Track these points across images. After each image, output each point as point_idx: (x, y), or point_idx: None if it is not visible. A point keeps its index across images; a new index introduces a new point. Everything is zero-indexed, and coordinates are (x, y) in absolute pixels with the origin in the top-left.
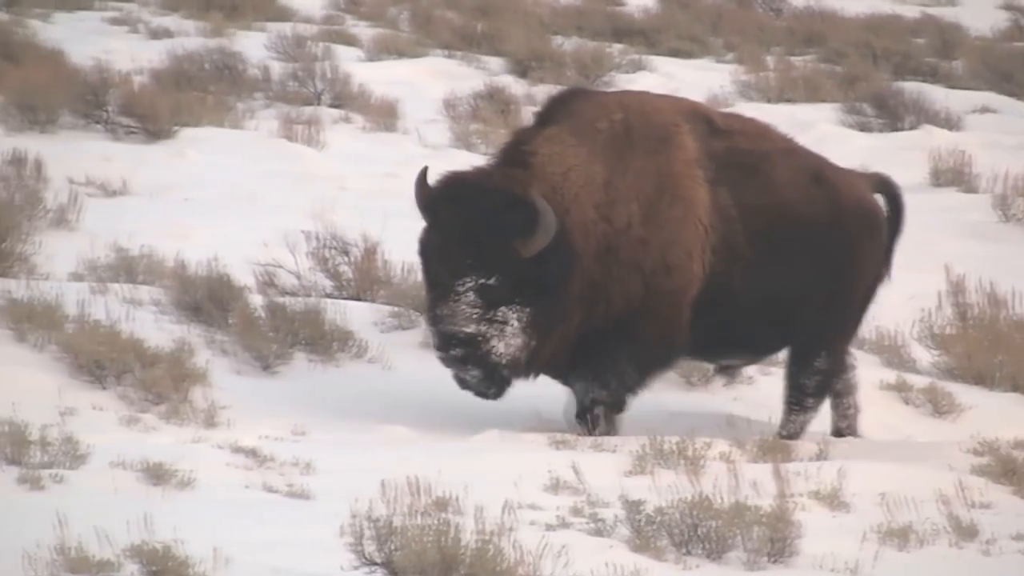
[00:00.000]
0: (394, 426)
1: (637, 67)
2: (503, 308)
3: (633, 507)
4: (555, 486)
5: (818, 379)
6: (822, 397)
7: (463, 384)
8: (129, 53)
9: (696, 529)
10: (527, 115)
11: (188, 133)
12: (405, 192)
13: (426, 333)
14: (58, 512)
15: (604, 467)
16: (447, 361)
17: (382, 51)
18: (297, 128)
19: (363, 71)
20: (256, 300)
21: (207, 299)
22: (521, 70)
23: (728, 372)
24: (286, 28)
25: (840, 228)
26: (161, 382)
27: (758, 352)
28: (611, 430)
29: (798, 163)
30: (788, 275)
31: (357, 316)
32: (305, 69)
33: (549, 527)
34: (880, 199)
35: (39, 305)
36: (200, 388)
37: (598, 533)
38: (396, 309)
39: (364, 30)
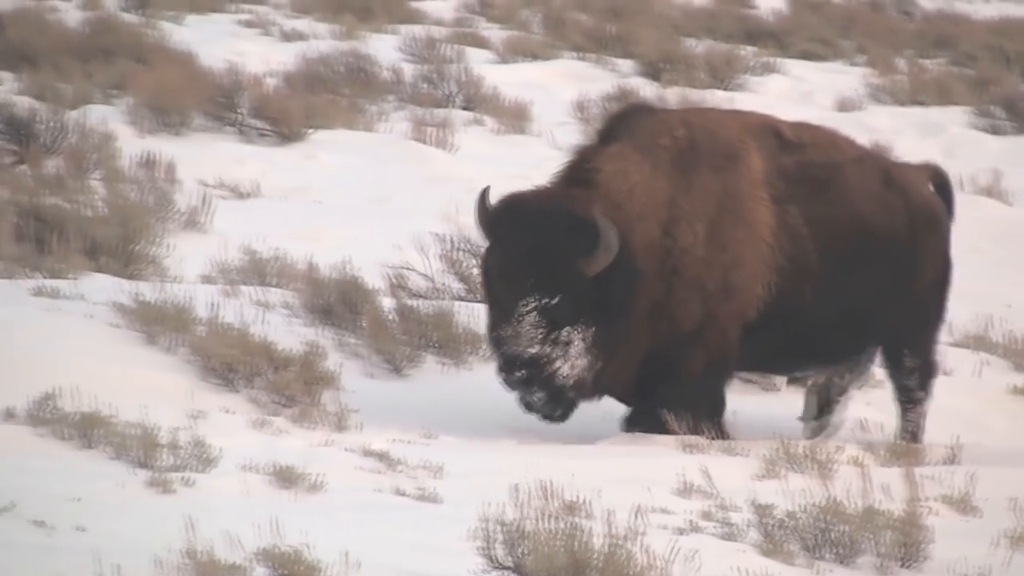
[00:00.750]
0: (525, 430)
1: (768, 70)
2: (567, 329)
3: (763, 511)
4: (686, 490)
5: (917, 375)
6: (928, 389)
7: (528, 407)
8: (261, 55)
9: (826, 533)
10: None
11: (320, 136)
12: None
13: None
14: (187, 515)
15: (734, 471)
16: (511, 384)
17: (514, 53)
18: (428, 130)
19: (495, 73)
20: (387, 303)
21: (338, 302)
22: (652, 72)
23: (800, 382)
24: (418, 30)
25: (912, 231)
26: (292, 385)
27: (832, 362)
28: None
29: (868, 170)
30: (861, 284)
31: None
32: (437, 71)
33: (679, 531)
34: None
35: (170, 307)
36: (330, 391)
37: (728, 537)
38: None
39: (496, 32)
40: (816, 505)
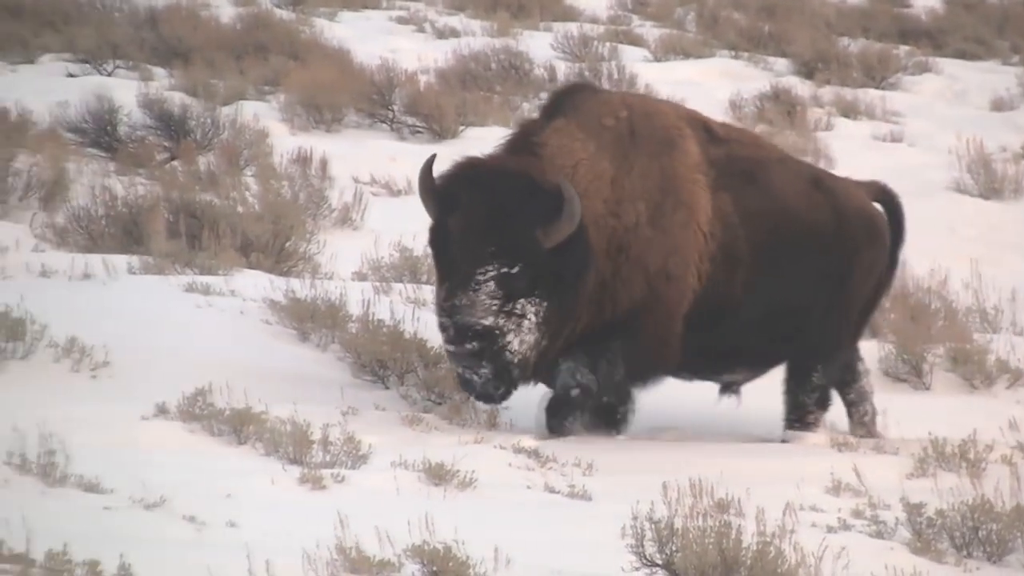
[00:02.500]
0: (675, 427)
1: (922, 69)
2: (522, 301)
3: (914, 509)
4: (836, 488)
5: (817, 395)
6: (823, 411)
7: (468, 385)
8: (415, 52)
9: (977, 532)
10: (813, 117)
11: (474, 133)
12: None
13: None
14: (339, 512)
15: (885, 469)
16: (460, 357)
17: (668, 51)
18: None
19: (649, 71)
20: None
21: None
22: (807, 71)
23: (730, 390)
24: (572, 28)
25: (842, 235)
26: (444, 382)
27: (760, 366)
28: (575, 428)
29: (795, 170)
30: (791, 285)
31: None
32: (591, 69)
33: (830, 529)
34: (879, 208)
35: (323, 304)
36: None
37: (878, 535)
38: None
39: (650, 30)
40: (966, 503)
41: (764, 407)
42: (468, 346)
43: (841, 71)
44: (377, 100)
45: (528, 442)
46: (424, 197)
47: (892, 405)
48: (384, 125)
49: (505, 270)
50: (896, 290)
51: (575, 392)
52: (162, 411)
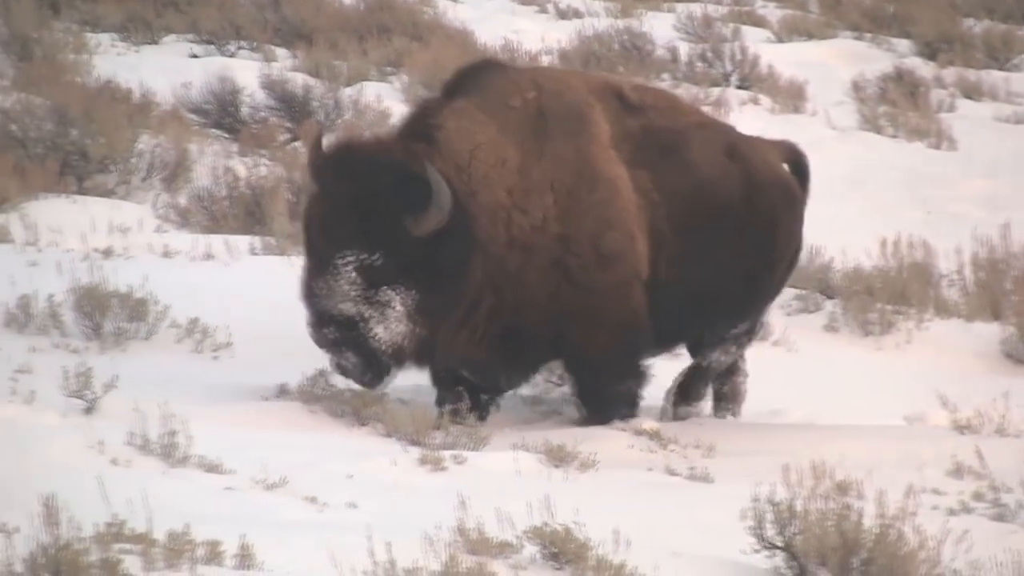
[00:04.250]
0: (797, 409)
1: None
2: (386, 289)
3: None
4: (958, 471)
5: (723, 362)
6: (707, 385)
7: (341, 370)
8: (537, 33)
9: None
10: (936, 98)
11: None
12: (812, 174)
13: (831, 316)
14: (459, 493)
15: (1008, 452)
16: (320, 342)
17: (791, 32)
18: (704, 109)
19: (771, 52)
20: None
21: None
22: (930, 52)
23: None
24: (695, 9)
25: (758, 204)
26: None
27: (674, 343)
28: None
29: (712, 138)
30: (711, 261)
31: None
32: (713, 50)
33: (951, 512)
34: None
35: None
36: None
37: (1000, 518)
38: (801, 292)
39: (773, 11)
40: None
41: (885, 390)
42: (326, 331)
43: (964, 52)
44: None
45: (649, 424)
46: (309, 175)
47: (1015, 388)
48: None
49: (365, 257)
50: (1020, 272)
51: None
52: (283, 392)
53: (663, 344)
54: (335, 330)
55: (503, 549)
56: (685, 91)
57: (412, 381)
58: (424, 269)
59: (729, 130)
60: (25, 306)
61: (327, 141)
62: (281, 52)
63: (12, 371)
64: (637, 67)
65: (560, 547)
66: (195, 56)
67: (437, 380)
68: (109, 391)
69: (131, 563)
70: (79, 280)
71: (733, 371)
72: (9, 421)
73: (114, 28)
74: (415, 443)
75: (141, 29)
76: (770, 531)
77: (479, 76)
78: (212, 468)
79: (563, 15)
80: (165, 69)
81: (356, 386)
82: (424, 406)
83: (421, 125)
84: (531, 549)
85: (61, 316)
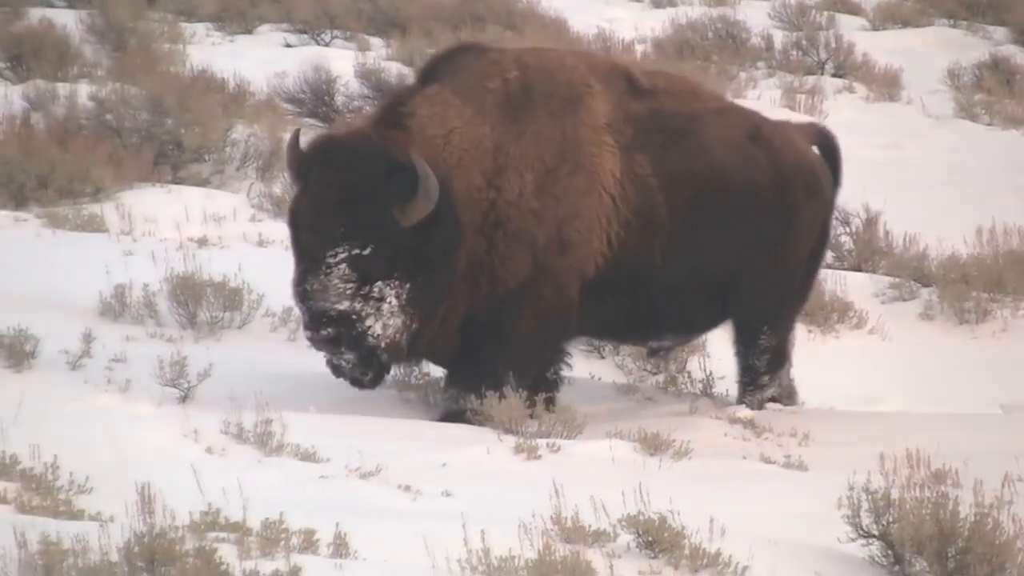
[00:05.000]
0: (892, 397)
1: None
2: (380, 284)
3: None
4: None
5: (768, 357)
6: (777, 371)
7: (337, 371)
8: (631, 21)
9: None
10: None
11: None
12: (908, 162)
13: (926, 304)
14: (554, 481)
15: None
16: (317, 343)
17: (886, 20)
18: (799, 97)
19: (867, 40)
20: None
21: None
22: None
23: (661, 354)
24: None
25: (779, 192)
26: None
27: (691, 331)
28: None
29: (732, 122)
30: (720, 246)
31: (857, 287)
32: (808, 38)
33: None
34: (817, 152)
35: None
36: (697, 358)
37: None
38: (896, 280)
39: None
40: None
41: (981, 378)
42: (324, 332)
43: None
44: None
45: (743, 412)
46: (288, 170)
47: None
48: None
49: (357, 252)
50: None
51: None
52: None
53: (674, 331)
54: (332, 329)
55: (598, 537)
56: (780, 79)
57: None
58: (414, 260)
59: (753, 115)
60: (120, 295)
61: (303, 139)
62: (375, 41)
63: (107, 360)
64: (732, 56)
65: (655, 535)
66: (290, 45)
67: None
68: (204, 380)
69: (226, 552)
70: (174, 269)
71: None
72: (104, 410)
73: (209, 18)
74: (509, 431)
75: (236, 19)
76: (866, 520)
77: (454, 60)
78: (307, 456)
79: (657, 4)
80: (260, 59)
81: None
82: (518, 394)
83: (393, 113)
84: (626, 537)
85: (156, 305)
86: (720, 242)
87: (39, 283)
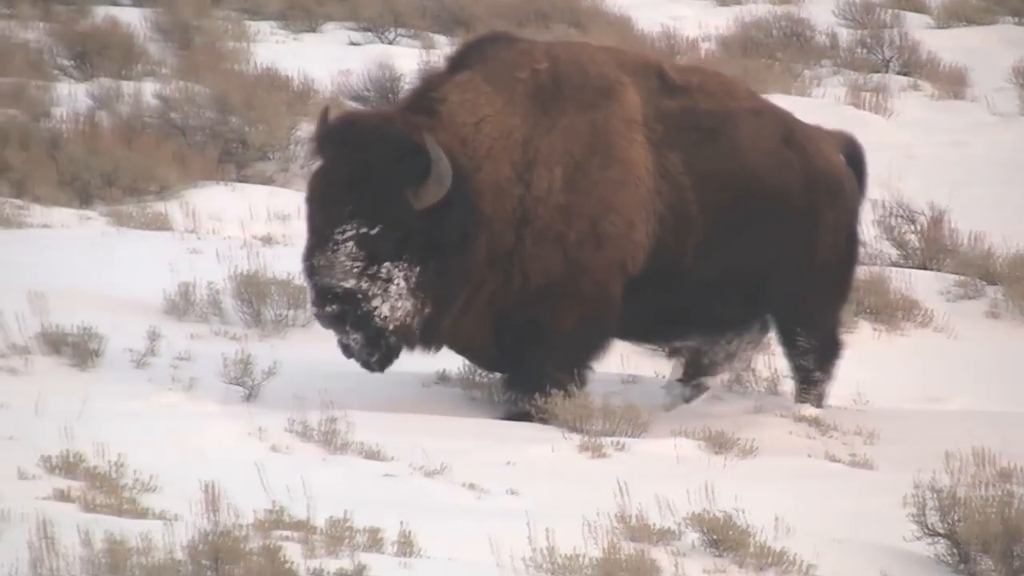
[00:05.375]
0: (958, 395)
1: None
2: (388, 265)
3: None
4: None
5: (813, 356)
6: (827, 370)
7: (347, 351)
8: (697, 20)
9: None
10: None
11: None
12: (973, 160)
13: (992, 302)
14: (619, 479)
15: None
16: (323, 319)
17: (951, 18)
18: (864, 95)
19: (932, 38)
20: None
21: None
22: None
23: (680, 354)
24: None
25: (809, 195)
26: None
27: (715, 332)
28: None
29: (766, 124)
30: (750, 247)
31: (923, 285)
32: (873, 36)
33: None
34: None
35: None
36: (763, 356)
37: None
38: (962, 278)
39: None
40: None
41: None
42: (328, 309)
43: None
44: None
45: (809, 411)
46: (310, 149)
47: None
48: None
49: (364, 231)
50: None
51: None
52: (443, 378)
53: (700, 331)
54: (337, 306)
55: (663, 536)
56: (846, 77)
57: None
58: (427, 244)
59: (787, 117)
60: (185, 293)
61: (333, 115)
62: (440, 39)
63: (172, 359)
64: (797, 53)
65: (721, 534)
66: (355, 43)
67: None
68: (269, 378)
69: (291, 550)
70: (238, 267)
71: (704, 381)
72: (169, 409)
73: (274, 16)
74: (575, 430)
75: (301, 17)
76: (932, 518)
77: (485, 48)
78: (372, 455)
79: (723, 1)
80: (324, 56)
81: None
82: (584, 393)
83: (423, 98)
84: (692, 536)
85: (221, 304)
86: (751, 243)
87: (104, 282)
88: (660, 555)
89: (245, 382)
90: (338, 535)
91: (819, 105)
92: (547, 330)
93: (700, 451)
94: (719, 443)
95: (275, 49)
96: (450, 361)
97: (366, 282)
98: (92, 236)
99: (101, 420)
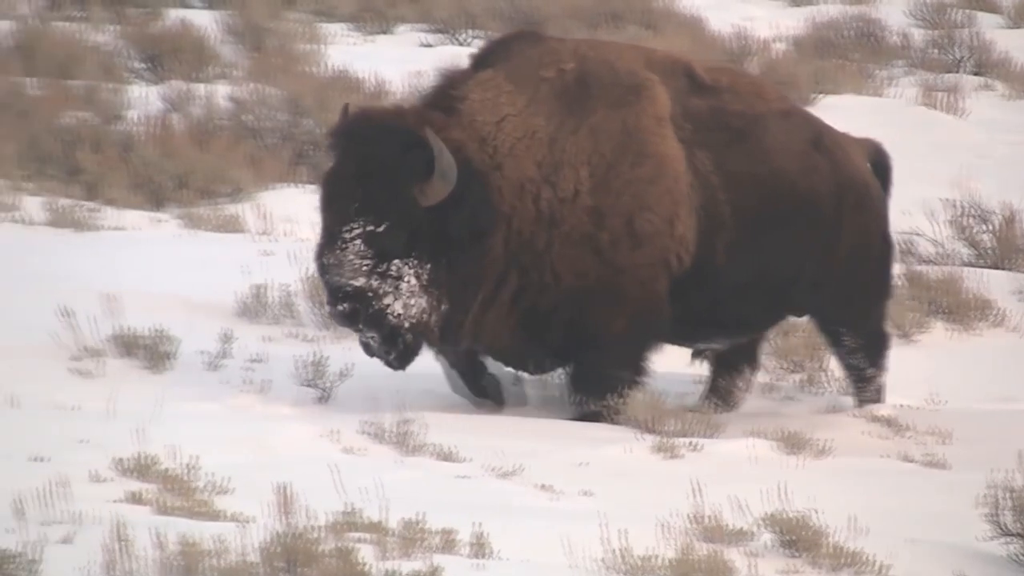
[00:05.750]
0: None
1: None
2: (397, 262)
3: None
4: None
5: (861, 354)
6: (879, 364)
7: (366, 348)
8: (770, 20)
9: None
10: None
11: (828, 101)
12: None
13: None
14: (694, 480)
15: None
16: (335, 317)
17: None
18: (937, 95)
19: (1004, 38)
20: (895, 269)
21: None
22: None
23: (704, 355)
24: None
25: (836, 200)
26: (798, 350)
27: (743, 333)
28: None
29: (795, 127)
30: (779, 249)
31: (997, 285)
32: (946, 36)
33: None
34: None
35: None
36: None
37: None
38: None
39: None
40: None
41: None
42: (340, 307)
43: None
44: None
45: (884, 410)
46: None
47: None
48: None
49: (371, 228)
50: None
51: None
52: (517, 379)
53: (726, 332)
54: (348, 304)
55: (738, 537)
56: (919, 78)
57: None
58: (437, 241)
59: (816, 122)
60: (258, 296)
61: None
62: None
63: (245, 361)
64: (870, 54)
65: (796, 535)
66: (428, 45)
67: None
68: (342, 380)
69: (365, 552)
70: (311, 269)
71: (734, 367)
72: (243, 411)
73: (347, 18)
74: (649, 430)
75: (374, 19)
76: (1006, 518)
77: (511, 47)
78: (446, 456)
79: (795, 2)
80: (397, 58)
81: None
82: (657, 393)
83: (444, 96)
84: (766, 536)
85: (294, 306)
86: (779, 245)
87: (177, 284)
88: (734, 556)
89: (318, 384)
90: (412, 537)
91: (892, 105)
92: (596, 334)
93: (774, 451)
94: (793, 443)
95: (348, 51)
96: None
97: (376, 280)
98: (165, 238)
99: (174, 422)
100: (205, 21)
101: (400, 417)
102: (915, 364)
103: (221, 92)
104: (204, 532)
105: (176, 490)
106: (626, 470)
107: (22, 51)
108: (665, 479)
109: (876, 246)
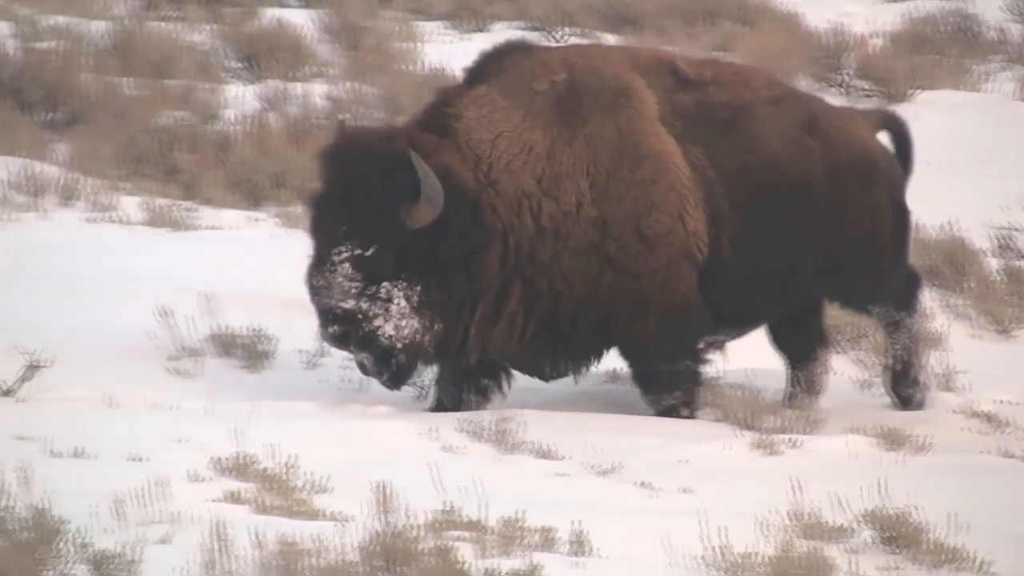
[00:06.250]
0: None
1: None
2: (387, 285)
3: None
4: None
5: (892, 308)
6: (914, 300)
7: (362, 368)
8: (865, 16)
9: None
10: None
11: (924, 96)
12: None
13: None
14: (793, 477)
15: None
16: (327, 339)
17: None
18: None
19: None
20: (993, 263)
21: (944, 262)
22: None
23: (713, 349)
24: None
25: (834, 183)
26: None
27: (750, 325)
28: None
29: (785, 112)
30: (782, 238)
31: None
32: None
33: None
34: (885, 137)
35: None
36: (936, 352)
37: None
38: None
39: None
40: None
41: None
42: (331, 330)
43: None
44: (827, 64)
45: (984, 406)
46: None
47: None
48: (834, 89)
49: (359, 252)
50: None
51: (680, 409)
52: (614, 377)
53: (734, 325)
54: (339, 327)
55: (838, 533)
56: (1016, 73)
57: (744, 364)
58: (427, 262)
59: (811, 103)
60: None
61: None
62: (609, 38)
63: (343, 359)
64: (967, 49)
65: (896, 531)
66: None
67: (439, 380)
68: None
69: (464, 550)
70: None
71: (812, 359)
72: (341, 409)
73: (443, 16)
74: (748, 427)
75: (470, 17)
76: None
77: (503, 60)
78: (544, 454)
79: None
80: None
81: None
82: (756, 390)
83: (439, 115)
84: (866, 533)
85: None
86: (782, 234)
87: (274, 283)
88: (834, 553)
89: (416, 382)
90: (511, 535)
91: (989, 101)
92: (630, 338)
93: (873, 448)
94: (892, 440)
95: (444, 49)
96: (621, 360)
97: (365, 302)
98: (261, 237)
99: (272, 421)
100: (301, 20)
101: (498, 415)
102: (1014, 360)
103: (317, 91)
104: (303, 531)
105: (275, 489)
106: (725, 467)
107: (119, 52)
108: (764, 476)
109: (889, 220)
